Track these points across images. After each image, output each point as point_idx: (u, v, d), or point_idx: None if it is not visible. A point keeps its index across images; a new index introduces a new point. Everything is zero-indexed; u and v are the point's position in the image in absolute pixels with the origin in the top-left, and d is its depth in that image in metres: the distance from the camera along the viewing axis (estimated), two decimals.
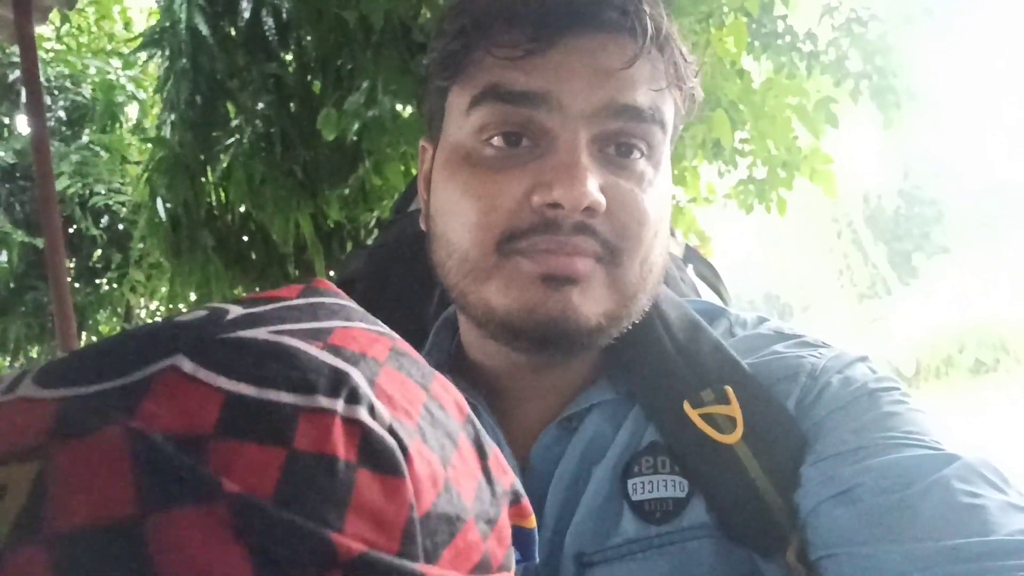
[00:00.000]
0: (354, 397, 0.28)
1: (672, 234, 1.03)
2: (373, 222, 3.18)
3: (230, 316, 0.31)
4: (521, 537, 0.41)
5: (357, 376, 0.29)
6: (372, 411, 0.29)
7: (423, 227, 0.76)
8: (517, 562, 0.40)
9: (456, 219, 0.67)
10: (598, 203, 0.63)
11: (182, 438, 0.26)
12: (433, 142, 0.75)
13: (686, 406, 0.68)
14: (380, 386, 0.30)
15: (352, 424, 0.28)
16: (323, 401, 0.27)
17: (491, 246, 0.64)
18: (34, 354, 5.24)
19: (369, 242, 2.67)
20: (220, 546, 0.25)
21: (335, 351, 0.30)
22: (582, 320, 0.64)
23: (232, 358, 0.28)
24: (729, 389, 0.68)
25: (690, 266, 1.02)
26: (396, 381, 0.31)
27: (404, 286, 0.94)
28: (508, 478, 0.37)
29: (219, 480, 0.25)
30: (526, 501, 0.40)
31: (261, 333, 0.30)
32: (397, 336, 0.38)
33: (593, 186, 0.62)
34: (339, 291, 0.38)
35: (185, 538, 0.25)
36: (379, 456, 0.28)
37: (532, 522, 0.40)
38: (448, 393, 0.35)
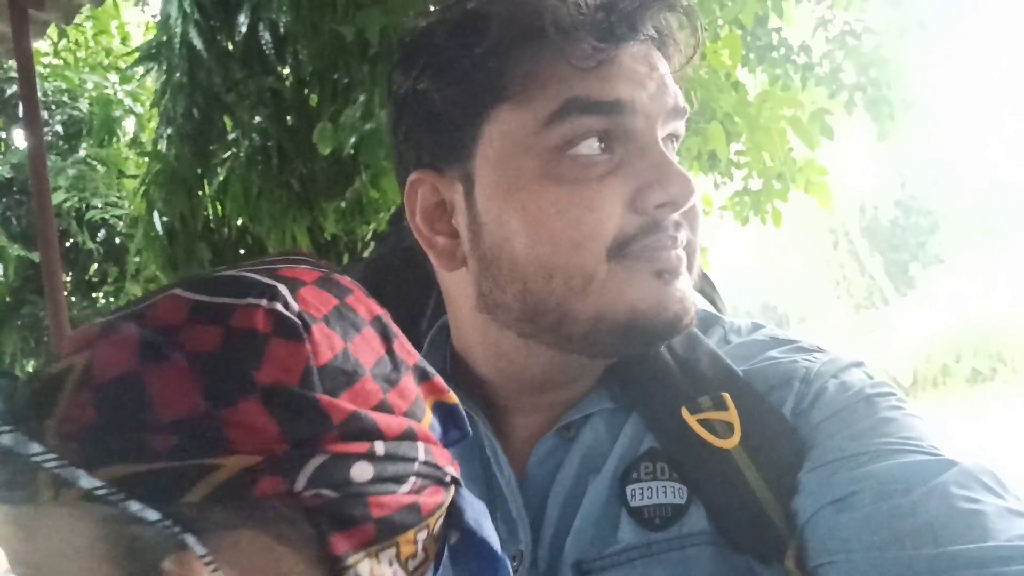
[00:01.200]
0: (274, 298, 0.43)
1: None
2: (369, 235, 3.18)
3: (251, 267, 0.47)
4: (444, 410, 0.51)
5: (281, 288, 0.44)
6: (286, 305, 0.43)
7: (448, 268, 0.73)
8: (452, 436, 0.52)
9: (555, 236, 0.65)
10: (697, 198, 0.67)
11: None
12: (446, 172, 0.71)
13: (684, 412, 0.68)
14: (300, 295, 0.44)
15: (269, 312, 0.42)
16: (252, 300, 0.42)
17: (603, 255, 0.64)
18: (30, 368, 5.23)
19: (365, 255, 2.67)
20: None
21: (274, 277, 0.45)
22: (692, 310, 0.67)
23: (215, 287, 0.44)
24: (726, 395, 0.69)
25: None
26: (313, 293, 0.45)
27: (399, 298, 0.93)
28: (412, 358, 0.49)
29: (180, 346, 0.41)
30: (437, 379, 0.51)
31: (235, 271, 0.46)
32: (342, 275, 0.51)
33: (695, 181, 0.66)
34: (312, 257, 0.52)
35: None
36: (285, 328, 0.42)
37: (452, 398, 0.51)
38: (362, 304, 0.48)
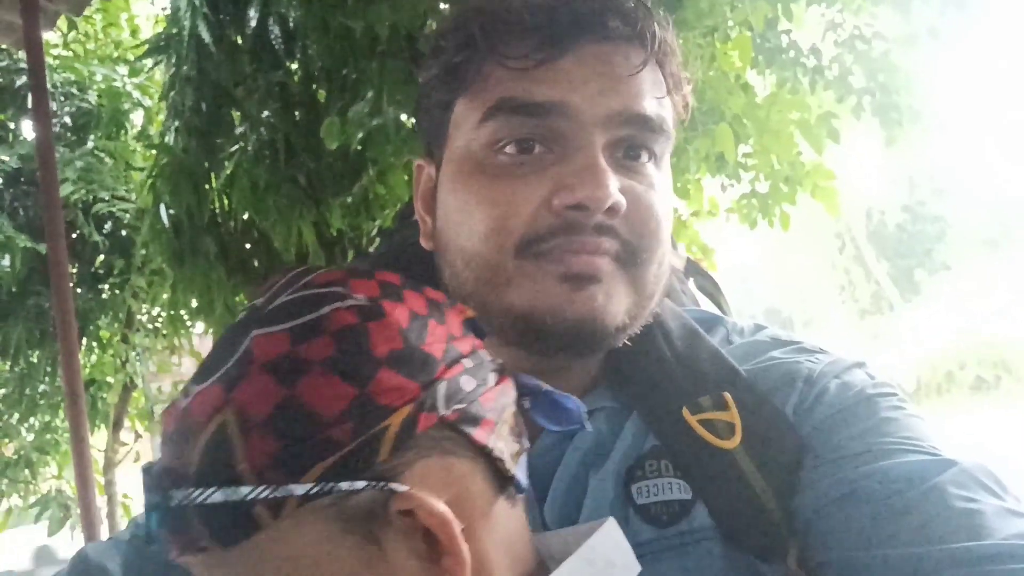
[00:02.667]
0: (343, 298, 0.53)
1: (674, 247, 1.04)
2: (375, 231, 3.18)
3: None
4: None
5: (339, 289, 0.54)
6: (355, 299, 0.53)
7: (425, 245, 0.77)
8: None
9: (472, 228, 0.67)
10: (620, 203, 0.65)
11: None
12: (435, 159, 0.75)
13: (685, 412, 0.69)
14: (352, 287, 0.54)
15: (350, 308, 0.52)
16: (333, 306, 0.53)
17: (511, 251, 0.65)
18: (35, 359, 5.24)
19: (371, 251, 2.67)
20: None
21: (322, 286, 0.54)
22: (608, 319, 0.66)
23: (289, 314, 0.53)
24: (727, 395, 0.69)
25: (691, 279, 1.02)
26: (357, 285, 0.55)
27: None
28: (439, 296, 0.59)
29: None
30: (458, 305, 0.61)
31: (290, 297, 0.55)
32: (352, 269, 0.58)
33: (615, 187, 0.64)
34: (312, 268, 0.59)
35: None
36: (369, 313, 0.52)
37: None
38: (387, 277, 0.57)
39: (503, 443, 0.55)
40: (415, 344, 0.52)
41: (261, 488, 0.48)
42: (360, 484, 0.49)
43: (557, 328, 0.65)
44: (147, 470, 0.53)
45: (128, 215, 4.86)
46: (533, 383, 0.61)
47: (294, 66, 3.08)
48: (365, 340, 0.51)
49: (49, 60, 4.73)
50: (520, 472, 0.57)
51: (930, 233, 16.56)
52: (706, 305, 1.01)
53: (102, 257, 5.11)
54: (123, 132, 5.25)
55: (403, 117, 2.63)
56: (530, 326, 0.66)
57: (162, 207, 3.19)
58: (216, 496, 0.48)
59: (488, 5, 0.70)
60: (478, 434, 0.53)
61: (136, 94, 5.25)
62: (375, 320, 0.52)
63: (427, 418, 0.51)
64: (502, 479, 0.56)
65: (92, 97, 5.17)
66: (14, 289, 4.80)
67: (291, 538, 0.49)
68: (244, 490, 0.48)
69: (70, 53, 5.59)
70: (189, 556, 0.51)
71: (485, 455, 0.54)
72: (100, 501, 5.09)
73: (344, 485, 0.48)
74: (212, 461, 0.49)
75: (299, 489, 0.48)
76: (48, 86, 3.44)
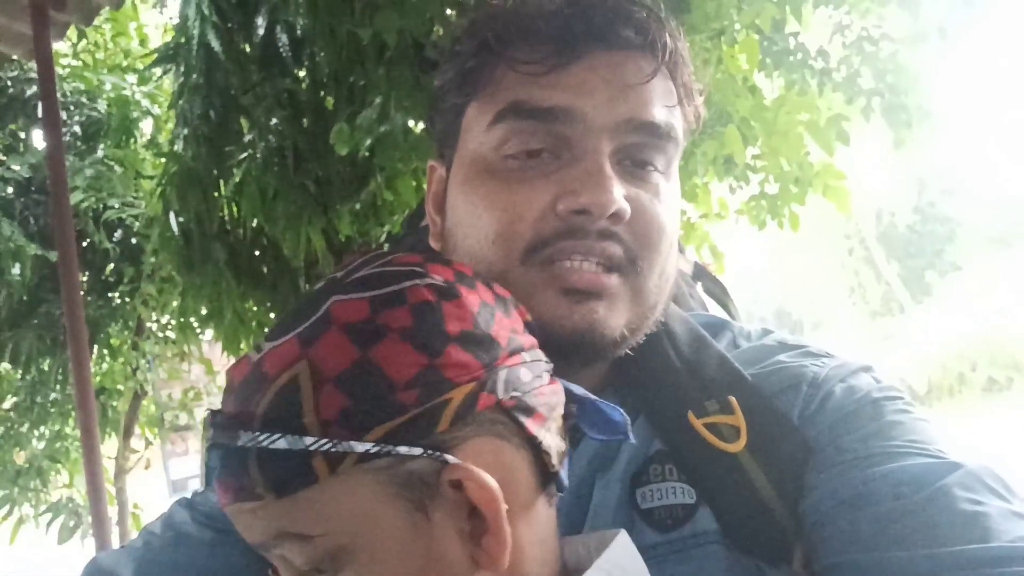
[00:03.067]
0: (423, 276, 0.56)
1: (682, 251, 1.04)
2: (384, 237, 3.19)
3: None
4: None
5: (420, 268, 0.57)
6: (433, 279, 0.56)
7: (434, 246, 0.77)
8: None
9: (479, 231, 0.68)
10: (624, 210, 0.65)
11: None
12: (446, 161, 0.76)
13: (690, 416, 0.69)
14: (430, 269, 0.58)
15: (429, 286, 0.55)
16: (414, 282, 0.56)
17: (517, 256, 0.66)
18: (45, 367, 5.27)
19: None
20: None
21: (401, 264, 0.57)
22: (608, 332, 0.66)
23: (370, 284, 0.56)
24: (733, 399, 0.69)
25: (699, 283, 1.02)
26: (433, 268, 0.58)
27: None
28: (505, 292, 0.62)
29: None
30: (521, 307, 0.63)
31: (369, 270, 0.58)
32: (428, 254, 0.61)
33: (619, 193, 0.65)
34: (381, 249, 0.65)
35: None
36: (446, 293, 0.55)
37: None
38: (456, 265, 0.60)
39: (551, 439, 0.58)
40: (484, 328, 0.55)
41: (324, 441, 0.50)
42: (417, 450, 0.51)
43: (556, 338, 0.65)
44: (214, 413, 0.55)
45: (138, 223, 4.88)
46: (580, 391, 0.62)
47: (302, 73, 3.10)
48: (439, 316, 0.54)
49: (59, 70, 4.76)
50: (564, 471, 0.59)
51: (940, 234, 16.48)
52: (714, 309, 1.01)
53: (112, 265, 5.14)
54: (132, 140, 5.28)
55: (411, 123, 2.63)
56: (531, 333, 0.66)
57: (171, 215, 3.21)
58: (280, 442, 0.50)
59: (503, 12, 0.71)
60: (530, 424, 0.56)
61: (145, 103, 5.28)
62: (450, 300, 0.55)
63: (487, 398, 0.54)
64: (546, 474, 0.58)
65: (102, 106, 5.21)
66: (25, 297, 4.83)
67: (344, 495, 0.51)
68: (307, 440, 0.50)
69: (80, 63, 5.63)
70: (239, 503, 0.53)
71: (534, 447, 0.57)
72: (111, 510, 5.11)
73: (403, 449, 0.51)
74: (280, 410, 0.51)
75: (360, 447, 0.50)
76: (58, 95, 3.46)
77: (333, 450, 0.50)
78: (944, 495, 0.58)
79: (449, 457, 0.52)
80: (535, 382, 0.57)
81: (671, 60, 0.70)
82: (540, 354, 0.60)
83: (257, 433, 0.51)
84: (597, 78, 0.67)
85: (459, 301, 0.55)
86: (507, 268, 0.66)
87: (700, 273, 1.05)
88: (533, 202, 0.66)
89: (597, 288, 0.66)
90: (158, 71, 3.48)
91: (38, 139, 5.19)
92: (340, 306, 0.54)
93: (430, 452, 0.51)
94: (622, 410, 0.62)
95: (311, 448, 0.50)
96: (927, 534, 0.56)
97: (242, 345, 3.39)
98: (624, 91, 0.67)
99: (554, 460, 0.58)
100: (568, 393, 0.62)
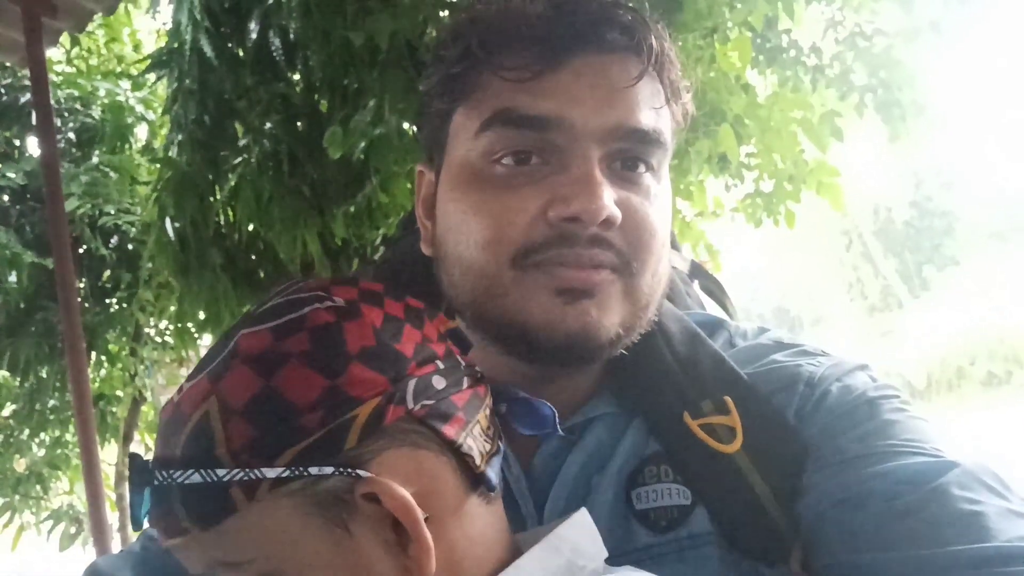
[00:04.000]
0: (323, 300, 0.58)
1: (677, 249, 1.04)
2: (380, 239, 3.19)
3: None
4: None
5: (321, 292, 0.58)
6: (333, 300, 0.58)
7: (425, 251, 0.77)
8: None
9: (469, 237, 0.68)
10: (615, 215, 0.65)
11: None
12: (434, 166, 0.76)
13: (686, 417, 0.69)
14: (332, 293, 0.59)
15: (328, 308, 0.57)
16: (313, 307, 0.57)
17: (507, 261, 0.66)
18: (44, 374, 5.26)
19: (376, 258, 2.68)
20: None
21: (304, 291, 0.59)
22: (602, 332, 0.66)
23: (273, 314, 0.58)
24: (728, 399, 0.69)
25: (696, 281, 1.02)
26: (338, 291, 0.59)
27: None
28: (418, 304, 0.62)
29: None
30: (439, 315, 0.64)
31: (275, 301, 0.60)
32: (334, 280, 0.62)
33: (609, 199, 0.65)
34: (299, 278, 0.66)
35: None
36: (345, 313, 0.57)
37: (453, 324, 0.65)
38: (365, 285, 0.61)
39: (474, 441, 0.59)
40: (388, 342, 0.57)
41: (236, 471, 0.52)
42: (328, 469, 0.52)
43: (550, 341, 0.65)
44: (133, 458, 0.57)
45: (134, 229, 4.87)
46: (510, 389, 0.65)
47: (296, 77, 3.09)
48: (339, 336, 0.55)
49: (52, 76, 4.76)
50: (492, 471, 0.61)
51: (938, 228, 16.49)
52: (711, 307, 1.00)
53: (109, 271, 5.13)
54: (127, 146, 5.27)
55: (405, 125, 2.63)
56: (524, 337, 0.66)
57: (167, 220, 3.21)
58: (195, 477, 0.52)
59: (486, 16, 0.71)
60: (447, 430, 0.57)
61: (140, 108, 5.27)
62: (351, 320, 0.56)
63: (395, 410, 0.55)
64: (473, 476, 0.59)
65: (96, 112, 5.20)
66: (22, 305, 4.83)
67: (264, 520, 0.53)
68: (221, 472, 0.52)
69: (73, 69, 5.62)
70: (170, 539, 0.55)
71: (454, 451, 0.58)
72: (112, 516, 5.10)
73: (313, 470, 0.52)
74: (194, 446, 0.53)
75: (271, 472, 0.52)
76: (52, 102, 3.45)
77: (246, 478, 0.52)
78: (941, 494, 0.58)
79: (361, 472, 0.53)
80: (451, 388, 0.58)
81: (657, 61, 0.69)
82: (459, 360, 0.61)
83: (172, 471, 0.53)
84: (584, 84, 0.66)
85: (360, 320, 0.57)
86: (498, 273, 0.66)
87: (697, 271, 1.05)
88: (523, 209, 0.66)
89: (589, 286, 0.65)
90: (152, 77, 3.47)
91: (33, 146, 5.18)
92: (245, 338, 0.56)
93: (340, 470, 0.53)
94: (550, 405, 0.63)
95: (225, 479, 0.52)
96: (925, 534, 0.56)
97: None
98: (611, 96, 0.67)
99: (478, 461, 0.59)
100: (497, 392, 0.64)
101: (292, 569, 0.54)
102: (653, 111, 0.69)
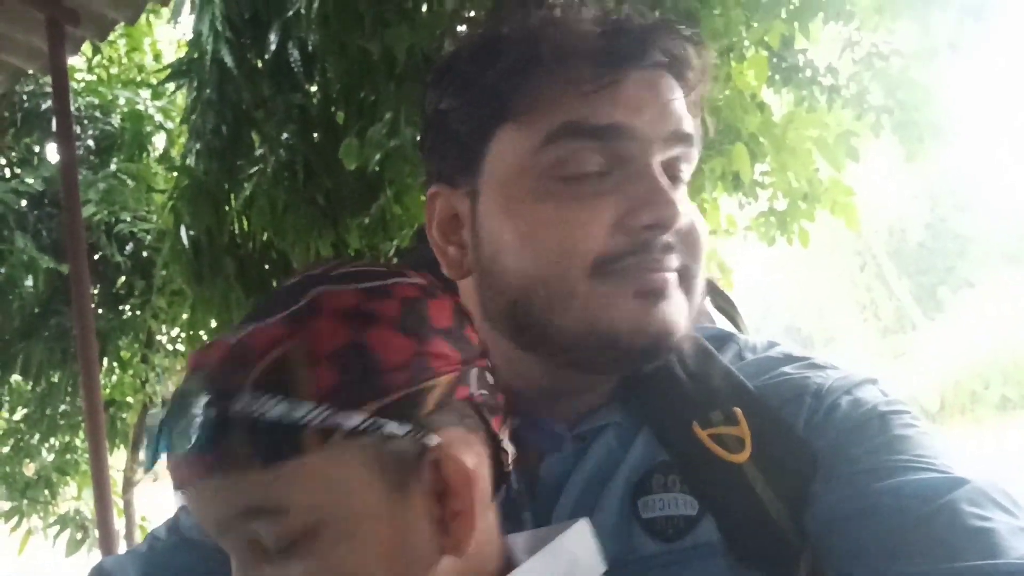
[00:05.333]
0: (407, 275, 0.60)
1: None
2: (393, 251, 3.20)
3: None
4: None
5: (403, 269, 0.61)
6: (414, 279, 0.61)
7: (450, 274, 0.76)
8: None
9: (537, 251, 0.67)
10: (689, 222, 0.68)
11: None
12: (464, 188, 0.74)
13: (695, 427, 0.69)
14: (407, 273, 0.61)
15: (415, 284, 0.60)
16: (401, 279, 0.60)
17: (584, 272, 0.66)
18: (56, 379, 5.29)
19: None
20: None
21: (382, 267, 0.61)
22: (676, 331, 0.68)
23: (356, 278, 0.59)
24: (737, 410, 0.70)
25: (707, 298, 1.02)
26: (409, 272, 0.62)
27: None
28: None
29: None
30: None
31: (350, 268, 0.61)
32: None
33: (683, 206, 0.67)
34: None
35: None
36: (430, 291, 0.60)
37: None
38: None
39: (507, 442, 0.61)
40: (461, 327, 0.60)
41: (317, 412, 0.51)
42: (404, 429, 0.53)
43: (637, 345, 0.66)
44: (192, 379, 0.55)
45: (149, 236, 4.91)
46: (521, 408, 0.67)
47: (313, 89, 3.12)
48: (425, 311, 0.57)
49: (73, 84, 4.82)
50: (514, 474, 0.62)
51: (952, 250, 16.40)
52: (723, 324, 1.00)
53: (123, 278, 5.17)
54: (145, 154, 5.33)
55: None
56: (613, 346, 0.66)
57: (182, 228, 3.23)
58: (274, 411, 0.51)
59: (530, 33, 0.71)
60: (495, 423, 0.59)
61: (158, 117, 5.33)
62: (432, 299, 0.59)
63: (463, 390, 0.57)
64: (501, 474, 0.61)
65: (115, 120, 5.26)
66: (36, 309, 4.87)
67: (328, 468, 0.52)
68: (301, 411, 0.51)
69: (94, 77, 5.69)
70: (212, 478, 0.53)
71: (495, 445, 0.60)
72: (118, 523, 5.11)
73: (391, 426, 0.53)
74: (273, 381, 0.52)
75: (350, 421, 0.52)
76: (72, 110, 3.49)
77: (325, 423, 0.51)
78: (950, 510, 0.57)
79: (433, 437, 0.54)
80: (495, 388, 0.61)
81: (696, 78, 0.72)
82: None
83: (250, 402, 0.51)
84: (643, 94, 0.68)
85: (440, 301, 0.59)
86: (575, 285, 0.66)
87: (709, 288, 1.05)
88: (597, 219, 0.66)
89: (664, 286, 0.67)
90: (171, 86, 3.52)
91: (52, 153, 5.24)
92: (329, 295, 0.56)
93: (415, 431, 0.53)
94: (559, 426, 0.68)
95: (303, 420, 0.51)
96: (933, 550, 0.56)
97: None
98: (666, 105, 0.69)
99: (508, 460, 0.61)
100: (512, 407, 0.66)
101: (335, 524, 0.53)
102: (692, 120, 0.72)
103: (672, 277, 0.68)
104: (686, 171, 0.73)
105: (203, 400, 0.52)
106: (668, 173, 0.69)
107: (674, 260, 0.68)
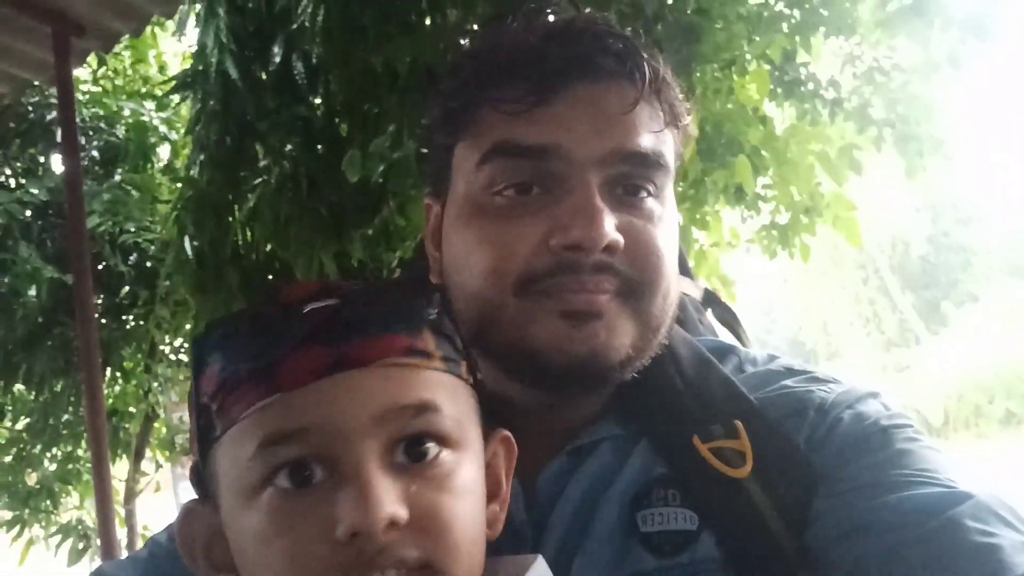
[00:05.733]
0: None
1: (693, 278, 1.04)
2: (396, 262, 3.20)
3: None
4: None
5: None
6: None
7: (434, 280, 0.78)
8: None
9: (472, 268, 0.68)
10: (617, 242, 0.65)
11: None
12: (440, 199, 0.77)
13: (695, 440, 0.69)
14: None
15: None
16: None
17: (509, 290, 0.66)
18: (59, 389, 5.29)
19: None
20: None
21: None
22: (612, 354, 0.66)
23: None
24: (738, 423, 0.69)
25: (709, 310, 1.02)
26: None
27: None
28: None
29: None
30: None
31: None
32: None
33: (610, 226, 0.64)
34: None
35: None
36: None
37: None
38: None
39: None
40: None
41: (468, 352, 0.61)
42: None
43: (560, 365, 0.65)
44: (433, 293, 0.60)
45: (153, 247, 4.92)
46: None
47: (317, 101, 3.13)
48: None
49: (78, 96, 4.84)
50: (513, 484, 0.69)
51: (955, 264, 16.37)
52: (725, 336, 1.00)
53: (127, 288, 5.17)
54: (149, 165, 5.34)
55: (423, 150, 2.65)
56: (533, 363, 0.66)
57: (186, 239, 3.24)
58: (453, 331, 0.59)
59: (481, 50, 0.72)
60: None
61: (163, 128, 5.35)
62: None
63: None
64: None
65: (120, 131, 5.28)
66: (40, 319, 4.87)
67: (470, 396, 0.60)
68: (461, 344, 0.60)
69: (99, 89, 5.71)
70: (401, 358, 0.55)
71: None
72: (120, 532, 5.10)
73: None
74: (443, 311, 0.59)
75: (477, 374, 0.62)
76: (77, 121, 3.51)
77: (470, 359, 0.60)
78: (954, 526, 0.57)
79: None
80: None
81: (653, 85, 0.69)
82: None
83: (440, 312, 0.58)
84: (579, 111, 0.67)
85: None
86: (502, 302, 0.67)
87: (710, 299, 1.04)
88: (524, 238, 0.66)
89: (596, 308, 0.66)
90: (176, 98, 3.53)
91: (57, 163, 5.25)
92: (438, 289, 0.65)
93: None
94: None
95: (465, 351, 0.60)
96: (937, 565, 0.55)
97: None
98: (608, 122, 0.67)
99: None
100: None
101: (465, 443, 0.57)
102: (652, 134, 0.69)
103: (605, 299, 0.66)
104: (649, 185, 0.70)
105: (394, 290, 0.59)
106: (620, 188, 0.68)
107: (609, 281, 0.66)
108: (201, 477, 0.59)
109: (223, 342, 0.55)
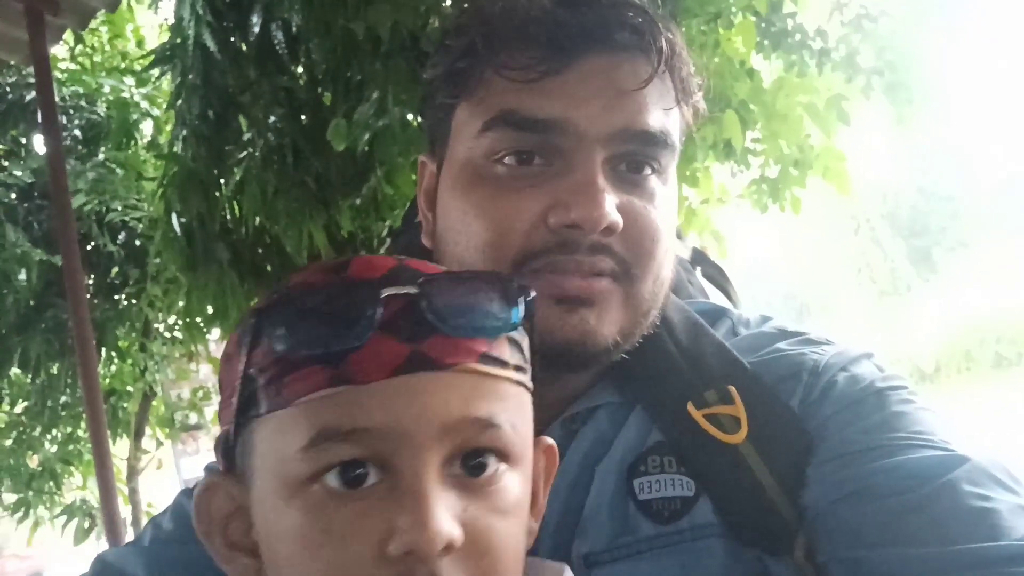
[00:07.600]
0: None
1: (680, 237, 1.03)
2: (386, 231, 3.19)
3: None
4: None
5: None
6: None
7: (426, 243, 0.76)
8: None
9: (469, 239, 0.67)
10: (616, 223, 0.64)
11: None
12: (436, 158, 0.75)
13: (690, 407, 0.68)
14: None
15: None
16: None
17: (506, 265, 0.65)
18: (55, 371, 5.29)
19: (382, 251, 2.68)
20: None
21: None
22: (600, 340, 0.66)
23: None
24: (733, 389, 0.68)
25: (698, 268, 1.02)
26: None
27: None
28: None
29: None
30: None
31: None
32: None
33: (610, 206, 0.63)
34: None
35: None
36: None
37: None
38: None
39: None
40: None
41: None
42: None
43: (547, 347, 0.64)
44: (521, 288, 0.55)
45: (141, 225, 4.89)
46: None
47: (299, 70, 3.09)
48: None
49: (57, 74, 4.76)
50: None
51: (945, 212, 16.40)
52: (713, 294, 1.00)
53: (117, 267, 5.15)
54: (133, 142, 5.29)
55: (409, 117, 2.63)
56: None
57: (174, 216, 3.22)
58: (523, 343, 0.56)
59: (492, 11, 0.69)
60: None
61: (144, 104, 5.28)
62: None
63: None
64: None
65: (101, 109, 5.21)
66: (32, 302, 4.85)
67: (529, 406, 0.57)
68: (525, 344, 0.57)
69: (77, 66, 5.63)
70: (479, 362, 0.52)
71: None
72: (124, 510, 5.14)
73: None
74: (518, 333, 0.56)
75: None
76: (56, 100, 3.46)
77: (528, 367, 0.56)
78: (951, 490, 0.56)
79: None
80: None
81: (668, 62, 0.68)
82: None
83: (519, 330, 0.55)
84: (590, 86, 0.65)
85: None
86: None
87: (698, 258, 1.04)
88: (524, 212, 0.65)
89: (588, 294, 0.65)
90: (156, 72, 3.47)
91: (39, 144, 5.19)
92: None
93: (521, 381, 0.57)
94: None
95: (528, 358, 0.56)
96: (934, 531, 0.55)
97: None
98: (619, 98, 0.65)
99: None
100: None
101: (521, 458, 0.54)
102: (662, 112, 0.68)
103: (598, 282, 0.65)
104: (654, 164, 0.69)
105: (478, 283, 0.53)
106: (624, 166, 0.67)
107: (604, 261, 0.65)
108: (229, 448, 0.54)
109: (286, 316, 0.50)
